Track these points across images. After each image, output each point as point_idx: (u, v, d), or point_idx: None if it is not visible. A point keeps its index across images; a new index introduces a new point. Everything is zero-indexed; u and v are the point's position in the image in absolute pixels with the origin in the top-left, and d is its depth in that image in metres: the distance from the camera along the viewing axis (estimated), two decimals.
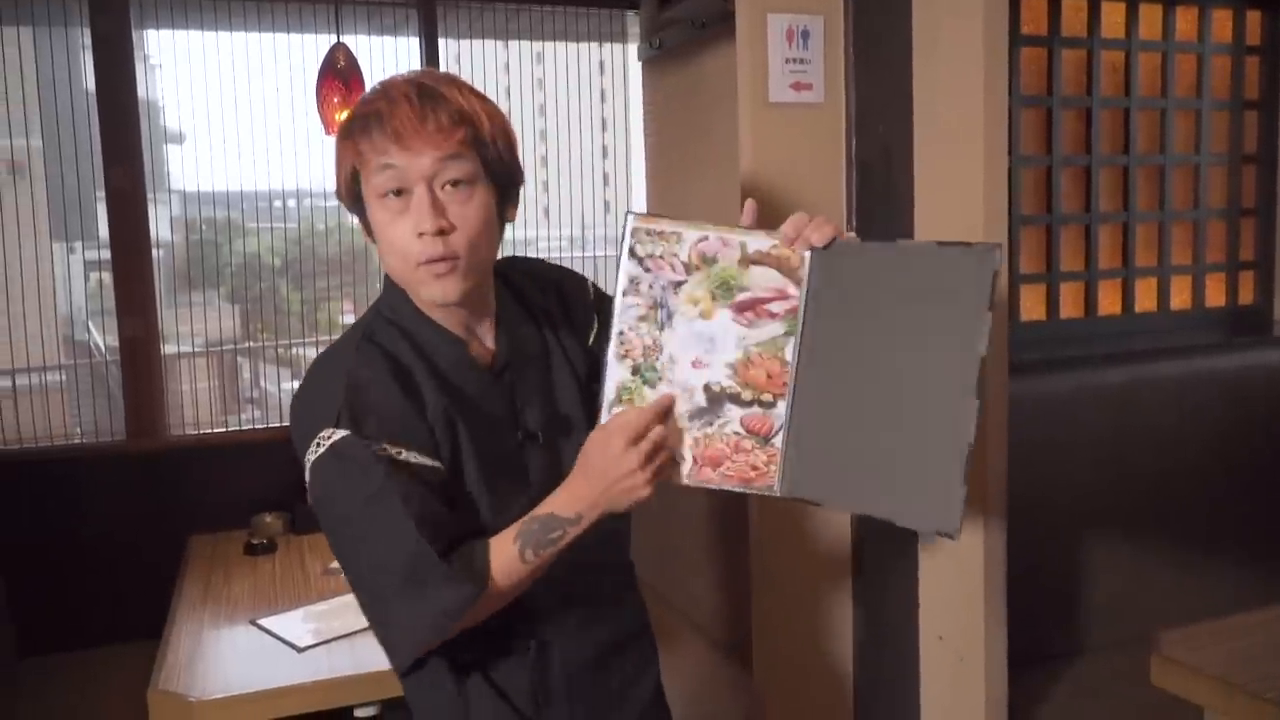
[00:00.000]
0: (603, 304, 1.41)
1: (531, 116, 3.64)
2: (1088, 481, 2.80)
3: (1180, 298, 3.24)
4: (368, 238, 1.25)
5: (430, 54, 3.16)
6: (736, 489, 1.22)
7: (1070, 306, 3.07)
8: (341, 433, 1.16)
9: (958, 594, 2.30)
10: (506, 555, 1.17)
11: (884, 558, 2.34)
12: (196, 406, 3.17)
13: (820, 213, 1.20)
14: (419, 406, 1.20)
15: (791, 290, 1.18)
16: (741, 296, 1.19)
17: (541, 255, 3.75)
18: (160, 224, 3.14)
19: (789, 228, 1.19)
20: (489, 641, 1.28)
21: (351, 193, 1.22)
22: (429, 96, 1.16)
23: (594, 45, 3.56)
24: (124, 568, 2.89)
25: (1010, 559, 2.33)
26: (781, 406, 1.20)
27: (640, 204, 3.59)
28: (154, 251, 3.10)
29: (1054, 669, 2.62)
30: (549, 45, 3.50)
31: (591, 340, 1.39)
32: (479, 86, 1.25)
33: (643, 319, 1.19)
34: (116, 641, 2.76)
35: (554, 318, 1.37)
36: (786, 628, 2.36)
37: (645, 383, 1.19)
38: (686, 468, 1.21)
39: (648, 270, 1.18)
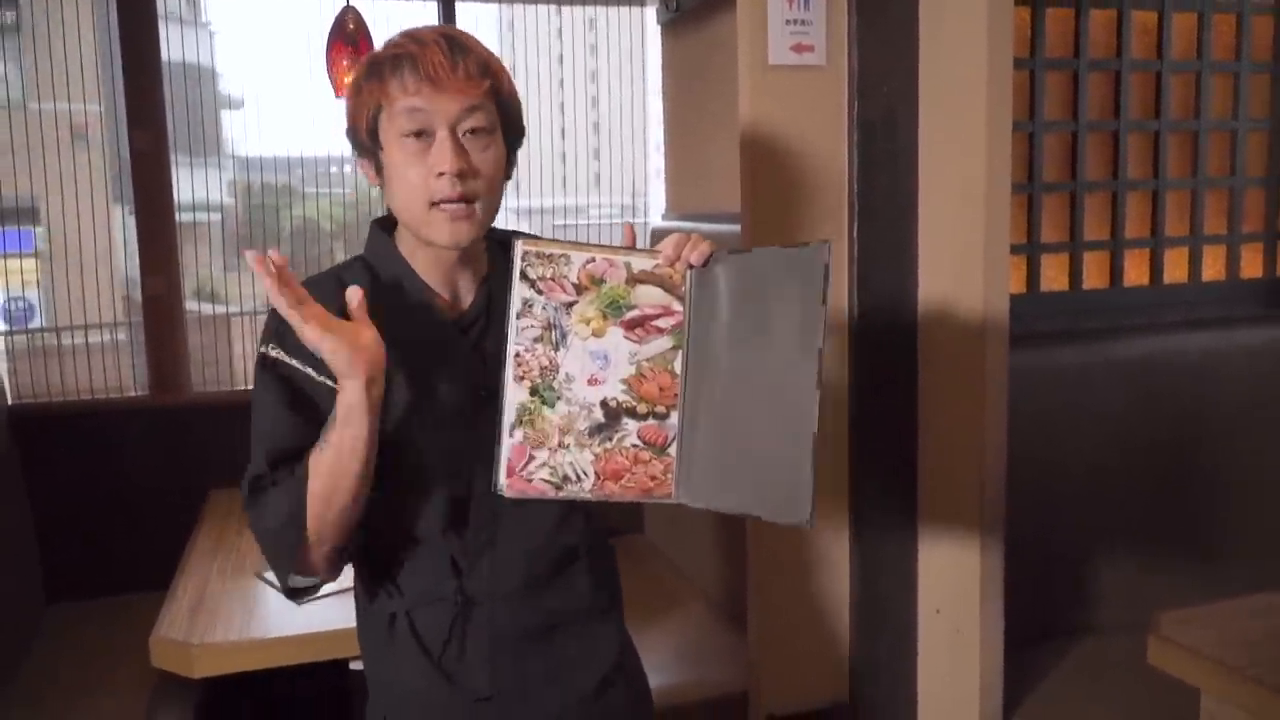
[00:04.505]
0: None
1: (584, 82, 3.65)
2: (1106, 455, 2.75)
3: (1214, 269, 3.15)
4: (374, 179, 1.29)
5: (448, 18, 3.16)
6: (637, 499, 1.28)
7: (1095, 277, 3.00)
8: (266, 347, 1.25)
9: (956, 567, 2.28)
10: (312, 455, 1.20)
11: (882, 530, 2.33)
12: (245, 365, 3.25)
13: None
14: None
15: (676, 306, 1.25)
16: (630, 314, 1.25)
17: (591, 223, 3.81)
18: (213, 188, 3.24)
19: (668, 248, 1.25)
20: (419, 588, 1.32)
21: (370, 132, 1.25)
22: (458, 46, 1.22)
23: (627, 9, 3.54)
24: (150, 518, 2.97)
25: (1021, 533, 2.31)
26: (675, 417, 1.26)
27: (658, 171, 3.57)
28: (209, 215, 3.20)
29: (1060, 647, 2.59)
30: (591, 10, 3.50)
31: None
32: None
33: (538, 340, 1.23)
34: (140, 590, 2.84)
35: None
36: (782, 598, 2.36)
37: (544, 402, 1.24)
38: (589, 483, 1.26)
39: (540, 293, 1.23)
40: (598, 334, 1.24)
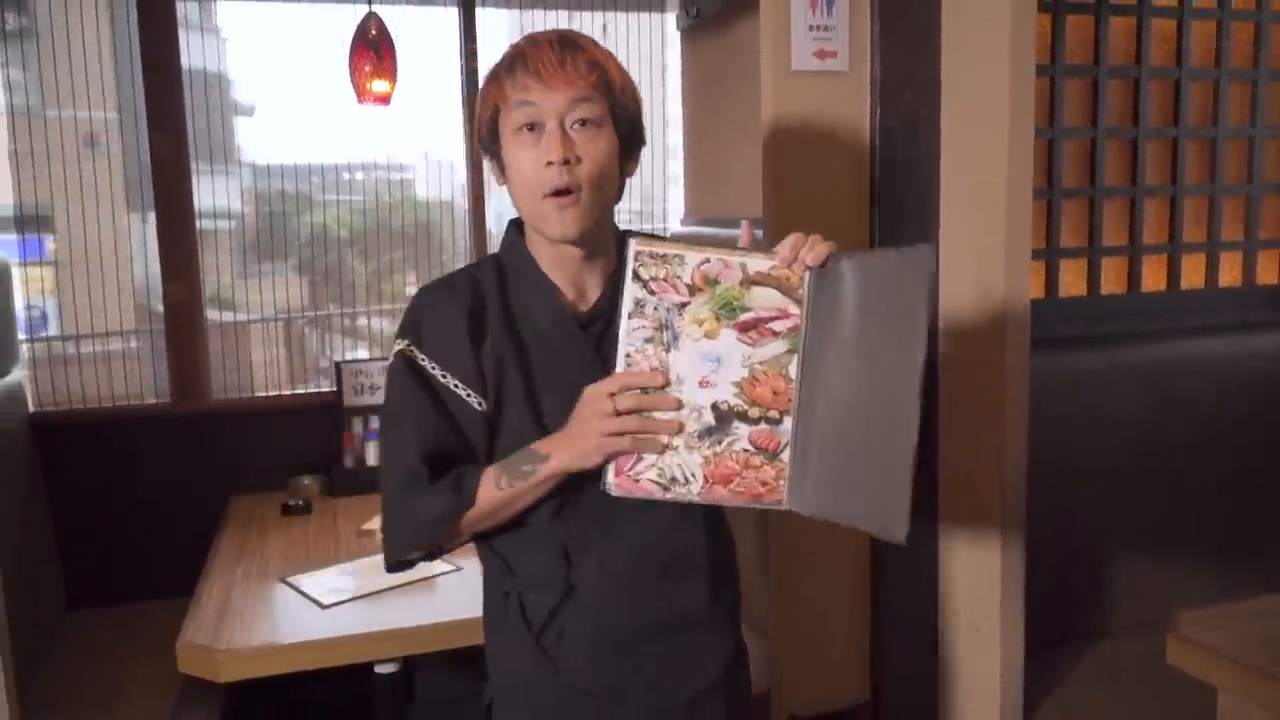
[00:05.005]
0: None
1: None
2: (1123, 459, 2.75)
3: (1230, 274, 3.15)
4: (500, 179, 1.36)
5: (468, 24, 3.18)
6: (747, 505, 1.27)
7: (1113, 282, 3.00)
8: (404, 344, 1.35)
9: (976, 568, 2.28)
10: (490, 481, 1.29)
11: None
12: (265, 372, 3.26)
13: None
14: (475, 345, 1.33)
15: (793, 309, 1.23)
16: (744, 316, 1.23)
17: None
18: (231, 196, 3.24)
19: (785, 249, 1.24)
20: (530, 570, 1.37)
21: (491, 131, 1.33)
22: (569, 44, 1.29)
23: (647, 15, 3.55)
24: (170, 526, 2.98)
25: (1039, 537, 2.31)
26: (788, 423, 1.24)
27: (675, 176, 3.58)
28: (227, 223, 3.21)
29: (1077, 649, 2.58)
30: (611, 15, 3.50)
31: None
32: None
33: (649, 341, 1.22)
34: (162, 597, 2.85)
35: None
36: (804, 599, 2.37)
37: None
38: (698, 486, 1.24)
39: (652, 293, 1.22)
40: (710, 336, 1.23)
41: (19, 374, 2.86)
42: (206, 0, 3.22)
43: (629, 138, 1.33)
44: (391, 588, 2.22)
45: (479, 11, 3.21)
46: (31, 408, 2.95)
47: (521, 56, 1.28)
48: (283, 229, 3.32)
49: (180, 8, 3.02)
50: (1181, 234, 3.04)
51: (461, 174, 3.42)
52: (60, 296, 3.13)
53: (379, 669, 2.13)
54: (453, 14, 3.22)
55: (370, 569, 2.33)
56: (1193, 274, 3.09)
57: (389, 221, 3.40)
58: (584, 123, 1.27)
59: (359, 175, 3.43)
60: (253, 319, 3.30)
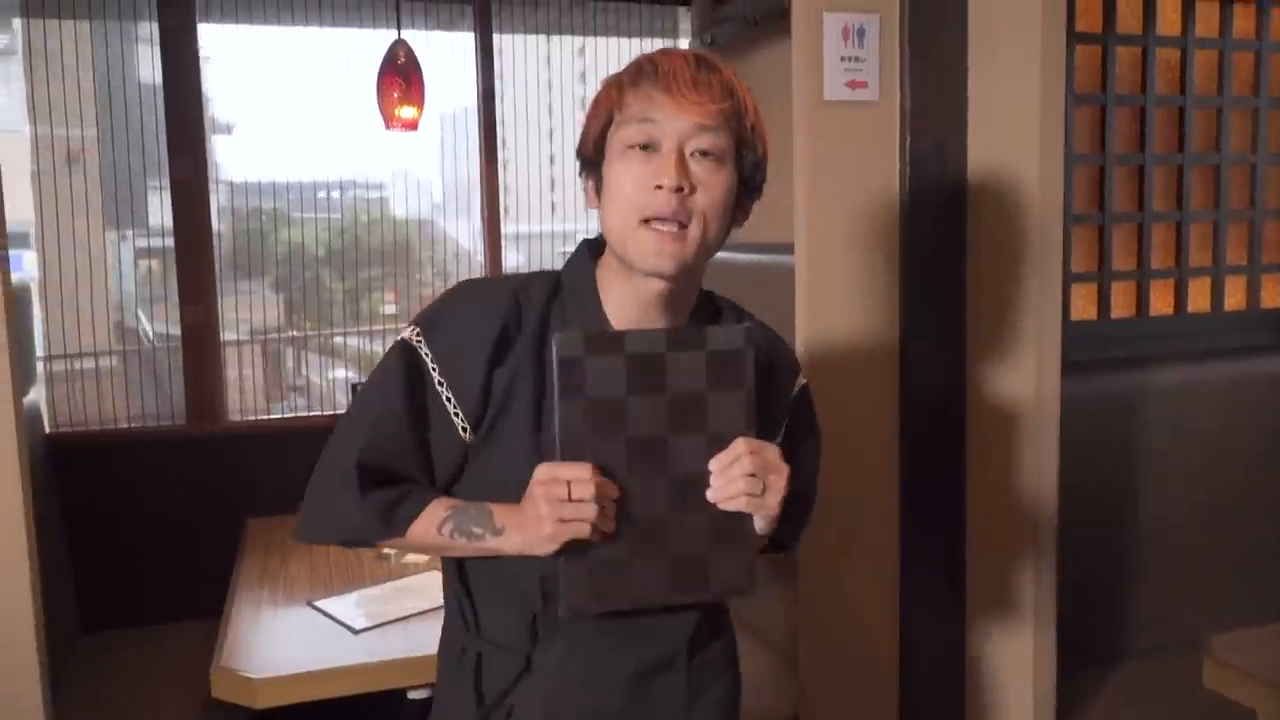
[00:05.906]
0: (800, 414, 1.32)
1: (572, 110, 3.68)
2: (1138, 483, 2.79)
3: (1235, 298, 3.21)
4: (592, 201, 1.19)
5: (485, 48, 3.20)
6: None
7: (1122, 306, 3.05)
8: (414, 332, 1.20)
9: (1006, 595, 2.30)
10: (433, 519, 1.16)
11: (931, 558, 2.35)
12: (241, 393, 3.24)
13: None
14: (489, 367, 1.17)
15: None
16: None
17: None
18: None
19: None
20: (495, 632, 1.25)
21: (597, 145, 1.17)
22: (706, 65, 1.14)
23: (643, 40, 3.58)
24: (185, 548, 2.97)
25: (1058, 560, 2.33)
26: None
27: None
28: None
29: (1101, 672, 2.61)
30: (590, 39, 3.53)
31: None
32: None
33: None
34: (177, 620, 2.83)
35: None
36: (832, 628, 2.37)
37: None
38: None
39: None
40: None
41: (35, 394, 2.84)
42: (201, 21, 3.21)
43: (747, 182, 1.17)
44: (420, 613, 2.22)
45: (495, 37, 3.24)
46: (48, 429, 2.93)
47: (652, 66, 1.12)
48: (260, 246, 3.30)
49: (150, 27, 3.00)
50: (1188, 259, 3.10)
51: (438, 193, 3.44)
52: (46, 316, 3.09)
53: (412, 695, 2.13)
54: (470, 39, 3.24)
55: (396, 594, 2.32)
56: (1199, 298, 3.15)
57: (369, 238, 3.40)
58: (705, 154, 1.11)
59: (335, 194, 3.42)
60: (227, 339, 3.26)
